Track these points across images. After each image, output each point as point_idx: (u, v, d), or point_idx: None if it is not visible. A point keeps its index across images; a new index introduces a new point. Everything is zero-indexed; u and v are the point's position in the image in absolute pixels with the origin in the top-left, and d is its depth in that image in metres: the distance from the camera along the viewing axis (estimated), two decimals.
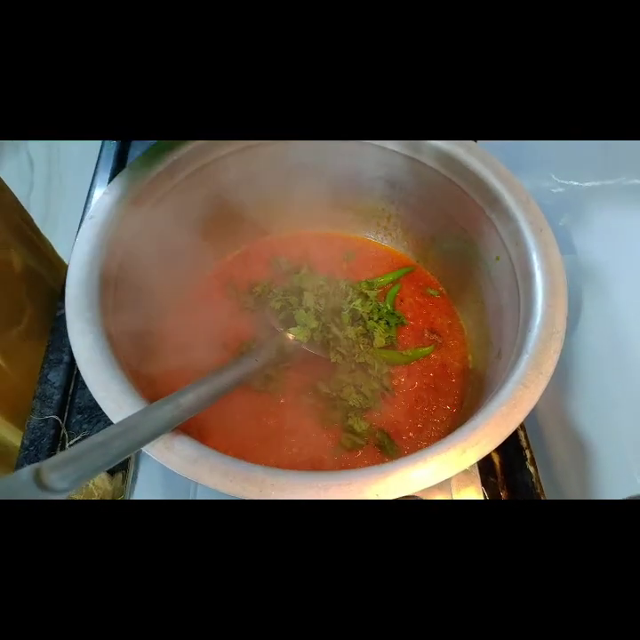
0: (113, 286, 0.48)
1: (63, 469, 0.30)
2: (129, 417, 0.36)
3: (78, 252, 0.46)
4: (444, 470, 0.36)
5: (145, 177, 0.51)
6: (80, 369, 0.40)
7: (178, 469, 0.36)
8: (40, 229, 0.80)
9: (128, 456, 0.34)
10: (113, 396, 0.38)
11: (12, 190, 0.78)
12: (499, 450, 0.71)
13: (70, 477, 0.30)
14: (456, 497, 0.60)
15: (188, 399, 0.40)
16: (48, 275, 0.78)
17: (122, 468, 0.71)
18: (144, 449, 0.36)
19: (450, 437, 0.37)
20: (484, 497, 0.67)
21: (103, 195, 0.49)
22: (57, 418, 0.77)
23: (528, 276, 0.47)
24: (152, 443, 0.36)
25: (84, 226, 0.47)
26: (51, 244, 0.81)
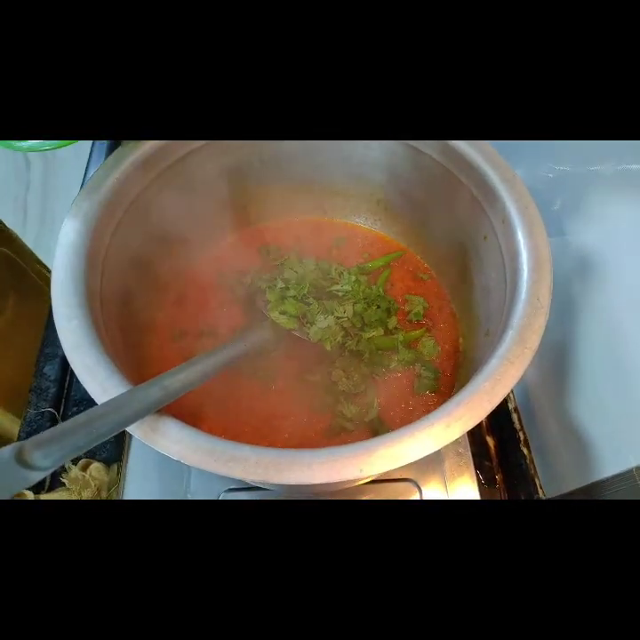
0: (100, 271, 0.48)
1: (46, 447, 0.30)
2: (113, 398, 0.36)
3: (64, 237, 0.46)
4: (427, 445, 0.36)
5: (128, 165, 0.51)
6: (66, 353, 0.40)
7: (163, 449, 0.36)
8: (26, 235, 0.81)
9: (112, 436, 0.34)
10: (98, 380, 0.39)
11: (10, 189, 0.80)
12: (493, 432, 0.72)
13: (53, 456, 0.31)
14: (449, 482, 0.60)
15: (174, 381, 0.40)
16: (29, 267, 0.79)
17: (118, 459, 0.72)
18: (129, 430, 0.37)
19: (434, 413, 0.37)
20: (480, 480, 0.67)
21: (88, 183, 0.49)
22: (53, 411, 0.77)
23: (514, 253, 0.46)
24: (137, 424, 0.37)
25: (69, 212, 0.47)
26: (19, 237, 0.82)
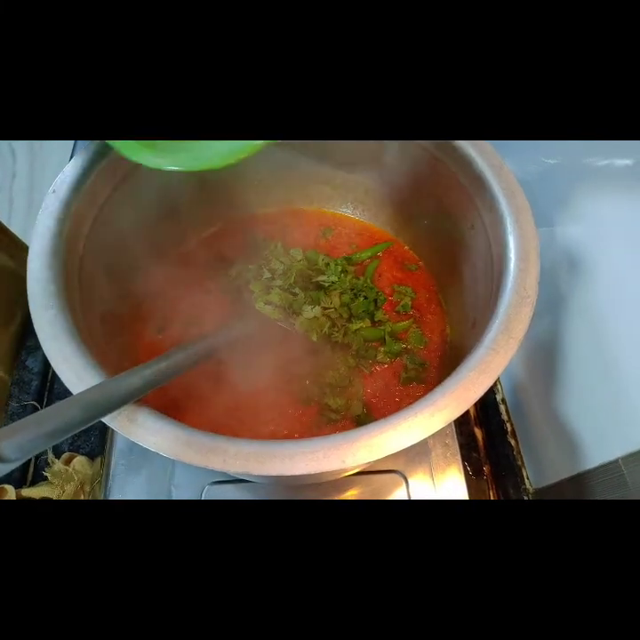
0: (79, 260, 0.46)
1: (16, 438, 0.29)
2: (89, 388, 0.35)
3: (41, 225, 0.44)
4: (411, 435, 0.35)
5: (110, 153, 0.50)
6: (41, 343, 0.39)
7: (140, 440, 0.35)
8: (12, 228, 0.79)
9: (87, 426, 0.33)
10: (74, 369, 0.37)
11: None
12: (481, 424, 0.71)
13: (24, 447, 0.29)
14: (436, 473, 0.60)
15: (154, 371, 0.39)
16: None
17: (101, 452, 0.71)
18: (106, 421, 0.36)
19: (418, 403, 0.37)
20: (467, 471, 0.67)
21: (67, 169, 0.48)
22: (36, 404, 0.76)
23: (501, 242, 0.46)
24: (114, 414, 0.36)
25: (46, 199, 0.46)
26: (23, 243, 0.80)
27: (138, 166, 0.52)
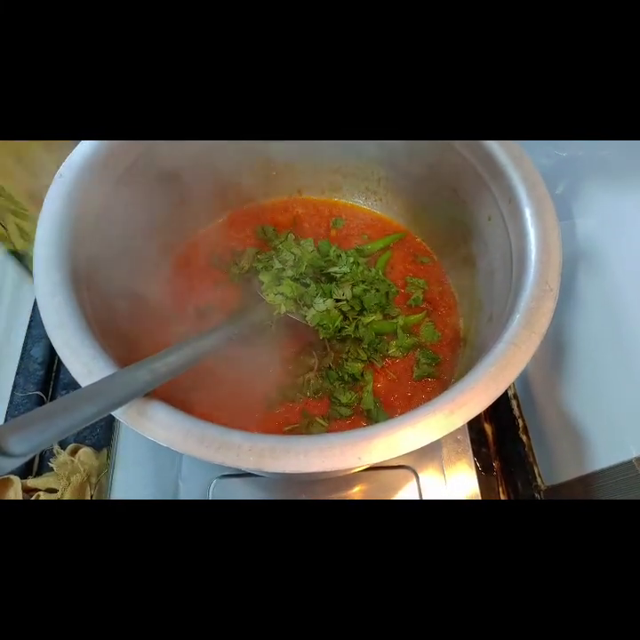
0: (86, 248, 0.45)
1: (24, 432, 0.28)
2: (98, 381, 0.34)
3: (47, 211, 0.43)
4: (429, 433, 0.34)
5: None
6: (48, 332, 0.38)
7: (150, 435, 0.34)
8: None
9: (96, 420, 0.32)
10: (83, 361, 0.36)
11: None
12: (491, 420, 0.70)
13: (31, 441, 0.28)
14: (447, 469, 0.59)
15: (164, 364, 0.38)
16: None
17: (108, 444, 0.70)
18: (116, 415, 0.35)
19: (436, 400, 0.36)
20: (477, 467, 0.66)
21: (73, 154, 0.47)
22: (41, 394, 0.75)
23: (521, 233, 0.44)
24: (124, 408, 0.35)
25: (53, 185, 0.45)
26: None
27: (147, 151, 0.51)
